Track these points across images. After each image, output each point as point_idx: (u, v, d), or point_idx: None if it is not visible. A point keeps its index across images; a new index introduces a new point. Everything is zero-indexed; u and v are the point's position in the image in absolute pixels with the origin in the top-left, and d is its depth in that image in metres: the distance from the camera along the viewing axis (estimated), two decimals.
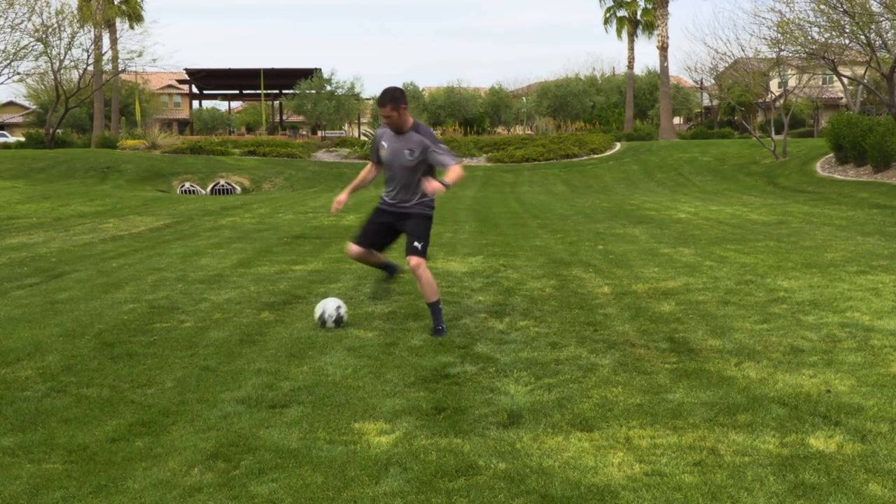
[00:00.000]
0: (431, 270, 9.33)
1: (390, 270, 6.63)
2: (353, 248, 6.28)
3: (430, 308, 6.11)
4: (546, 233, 13.09)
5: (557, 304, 7.13)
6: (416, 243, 5.99)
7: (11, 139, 52.90)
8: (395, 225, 6.18)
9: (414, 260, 5.97)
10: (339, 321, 6.21)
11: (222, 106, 68.66)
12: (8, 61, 36.07)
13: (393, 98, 5.88)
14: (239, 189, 31.11)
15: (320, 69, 48.62)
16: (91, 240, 12.56)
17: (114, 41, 43.00)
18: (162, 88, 68.94)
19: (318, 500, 3.24)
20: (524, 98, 56.88)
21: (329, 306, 6.26)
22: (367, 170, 6.46)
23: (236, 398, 4.50)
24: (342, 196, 6.35)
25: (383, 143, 6.12)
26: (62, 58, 38.26)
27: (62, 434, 3.98)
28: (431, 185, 5.83)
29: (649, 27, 48.36)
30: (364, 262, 6.52)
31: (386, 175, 6.22)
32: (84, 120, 55.43)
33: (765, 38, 32.95)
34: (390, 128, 6.04)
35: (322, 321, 6.20)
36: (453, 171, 6.00)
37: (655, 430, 3.95)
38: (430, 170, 6.10)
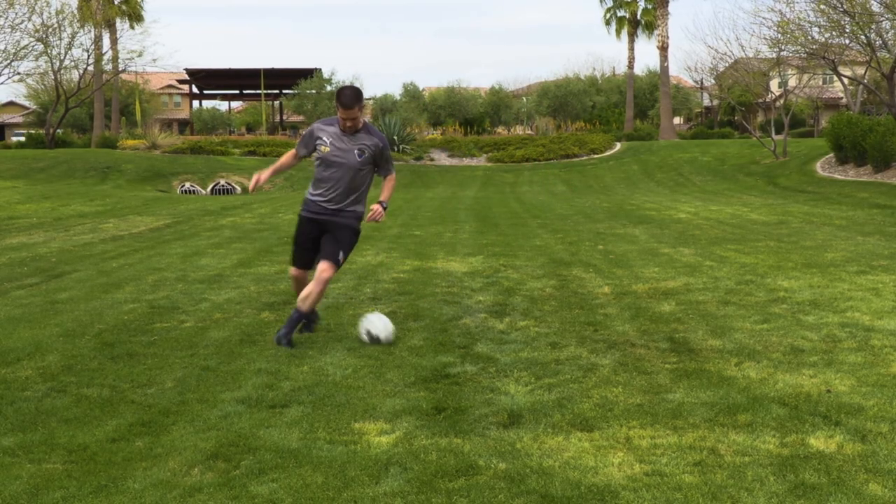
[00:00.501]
0: (431, 272, 9.37)
1: (309, 320, 5.98)
2: (293, 271, 6.01)
3: (296, 315, 5.68)
4: (546, 233, 13.10)
5: (557, 304, 7.12)
6: (339, 252, 5.70)
7: (12, 140, 52.84)
8: (322, 231, 5.80)
9: (329, 269, 5.65)
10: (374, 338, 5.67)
11: (222, 106, 68.69)
12: (8, 61, 36.07)
13: (359, 98, 5.62)
14: (239, 189, 31.12)
15: (320, 69, 48.62)
16: (91, 240, 12.56)
17: (114, 41, 42.99)
18: (162, 88, 68.91)
19: (318, 500, 3.24)
20: (524, 98, 56.87)
21: (375, 326, 5.70)
22: (290, 156, 6.05)
23: (236, 398, 4.50)
24: (265, 174, 5.86)
25: (325, 139, 5.72)
26: (62, 58, 38.27)
27: (62, 434, 3.98)
28: (376, 214, 5.75)
29: (649, 27, 48.34)
30: (298, 291, 5.98)
31: (322, 174, 5.77)
32: (84, 120, 55.42)
33: (765, 38, 33.00)
34: (346, 128, 5.68)
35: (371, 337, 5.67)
36: (389, 184, 5.97)
37: (655, 430, 3.95)
38: (372, 176, 5.90)
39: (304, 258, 5.94)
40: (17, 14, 35.44)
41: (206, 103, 67.39)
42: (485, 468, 3.50)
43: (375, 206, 5.80)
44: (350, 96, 5.57)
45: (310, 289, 5.66)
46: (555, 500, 3.21)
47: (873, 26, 23.97)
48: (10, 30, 35.36)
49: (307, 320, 5.92)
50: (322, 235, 5.79)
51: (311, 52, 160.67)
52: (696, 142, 40.50)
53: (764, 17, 32.87)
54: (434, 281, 8.38)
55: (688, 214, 16.42)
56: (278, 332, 5.70)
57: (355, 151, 5.68)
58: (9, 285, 8.34)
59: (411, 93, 53.82)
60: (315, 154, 5.81)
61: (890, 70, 24.65)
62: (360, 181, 5.77)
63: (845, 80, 31.60)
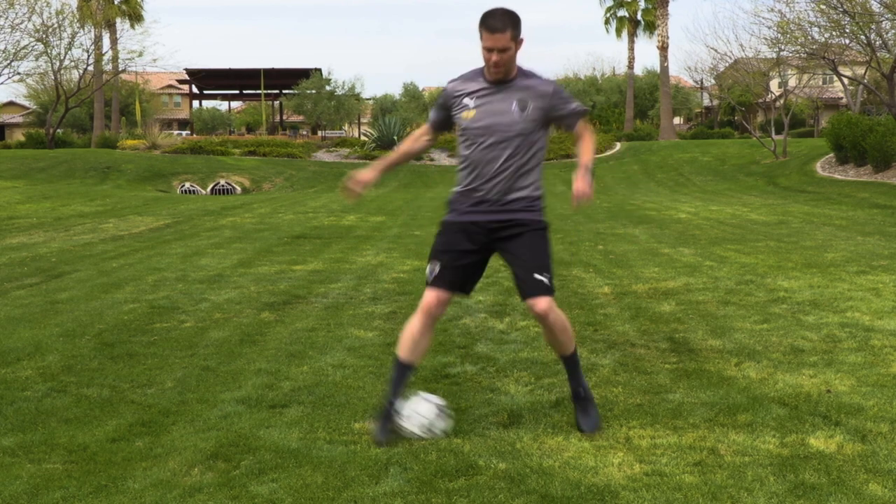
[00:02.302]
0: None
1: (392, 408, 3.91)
2: (434, 294, 3.95)
3: (566, 362, 4.04)
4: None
5: (557, 304, 7.11)
6: (538, 275, 3.85)
7: None
8: (492, 246, 3.95)
9: (543, 303, 3.85)
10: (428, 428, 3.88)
11: (222, 106, 68.72)
12: (8, 61, 36.12)
13: (514, 21, 3.74)
14: (239, 189, 31.11)
15: (320, 69, 48.66)
16: (91, 240, 12.56)
17: (114, 41, 43.05)
18: (162, 88, 68.93)
19: (318, 500, 3.24)
20: None
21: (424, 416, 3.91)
22: (416, 137, 4.13)
23: (236, 398, 4.50)
24: (369, 174, 4.02)
25: (467, 101, 3.88)
26: (62, 58, 38.33)
27: (62, 434, 3.98)
28: (580, 187, 3.89)
29: (649, 27, 48.42)
30: (414, 342, 3.97)
31: (470, 156, 3.88)
32: (84, 120, 55.43)
33: (765, 38, 32.98)
34: (490, 74, 3.83)
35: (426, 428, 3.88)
36: (588, 140, 4.02)
37: (655, 430, 3.95)
38: (546, 144, 3.99)
39: (450, 275, 3.96)
40: (17, 14, 35.52)
41: (206, 103, 67.46)
42: (485, 468, 3.50)
43: (580, 183, 3.90)
44: (500, 16, 3.73)
45: (552, 336, 3.94)
46: (555, 500, 3.21)
47: (873, 26, 23.96)
48: (10, 30, 35.43)
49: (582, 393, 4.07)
50: (488, 246, 3.96)
51: (311, 52, 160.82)
52: (696, 142, 40.51)
53: (764, 18, 32.95)
54: None
55: (688, 214, 16.42)
56: (584, 419, 3.94)
57: (514, 105, 3.83)
58: (9, 285, 8.34)
59: (411, 93, 53.86)
60: (457, 126, 3.97)
61: (890, 70, 24.65)
62: (532, 152, 3.88)
63: (845, 80, 31.59)
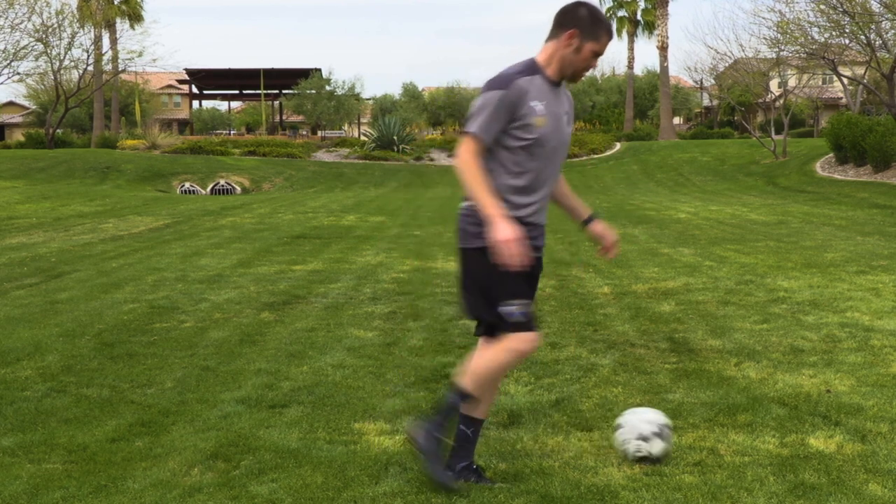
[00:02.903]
0: (431, 272, 9.37)
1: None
2: (538, 338, 3.29)
3: (458, 399, 3.33)
4: (546, 233, 13.08)
5: (557, 304, 7.12)
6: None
7: None
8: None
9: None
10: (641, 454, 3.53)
11: (222, 106, 68.72)
12: (8, 61, 36.12)
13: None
14: (239, 189, 31.11)
15: (320, 69, 48.64)
16: (91, 240, 12.56)
17: (114, 41, 43.04)
18: (162, 88, 68.82)
19: (318, 500, 3.24)
20: None
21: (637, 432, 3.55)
22: (477, 163, 3.18)
23: (236, 398, 4.50)
24: (512, 227, 3.11)
25: (535, 104, 3.19)
26: (62, 58, 38.32)
27: (62, 434, 3.98)
28: (614, 246, 3.66)
29: (649, 27, 48.40)
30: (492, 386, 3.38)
31: (536, 169, 3.27)
32: (84, 120, 55.41)
33: (765, 38, 32.95)
34: (572, 78, 3.31)
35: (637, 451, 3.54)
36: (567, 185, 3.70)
37: None
38: None
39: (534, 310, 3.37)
40: (17, 14, 35.52)
41: (206, 103, 67.48)
42: (485, 468, 3.49)
43: (605, 233, 3.63)
44: (603, 17, 3.26)
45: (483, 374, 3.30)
46: (555, 500, 3.21)
47: (873, 26, 23.97)
48: (10, 30, 35.43)
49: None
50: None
51: (311, 52, 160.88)
52: (696, 142, 40.51)
53: (763, 18, 32.93)
54: (434, 281, 8.38)
55: (687, 214, 16.42)
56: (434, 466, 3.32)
57: (565, 116, 3.35)
58: (9, 285, 8.34)
59: (411, 93, 53.87)
60: (521, 132, 3.22)
61: (890, 70, 24.65)
62: None
63: (845, 80, 31.59)
